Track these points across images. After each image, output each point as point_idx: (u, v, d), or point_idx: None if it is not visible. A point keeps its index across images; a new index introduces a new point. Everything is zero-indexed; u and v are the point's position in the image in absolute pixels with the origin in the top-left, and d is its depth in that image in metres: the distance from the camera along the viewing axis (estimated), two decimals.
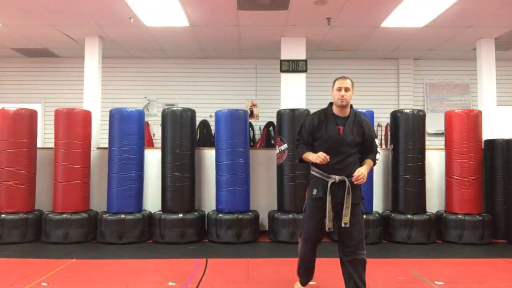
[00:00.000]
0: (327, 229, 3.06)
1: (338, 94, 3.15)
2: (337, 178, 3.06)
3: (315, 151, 3.13)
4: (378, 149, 3.19)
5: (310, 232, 3.22)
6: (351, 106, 3.24)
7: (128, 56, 8.30)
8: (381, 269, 4.32)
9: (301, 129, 3.32)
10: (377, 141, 3.23)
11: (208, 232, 5.68)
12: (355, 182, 3.02)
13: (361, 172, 3.02)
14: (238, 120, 5.73)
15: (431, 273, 4.18)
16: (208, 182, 6.18)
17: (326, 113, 3.23)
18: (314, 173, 3.21)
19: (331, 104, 3.28)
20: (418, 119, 5.79)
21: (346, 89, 3.14)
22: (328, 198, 3.04)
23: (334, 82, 3.21)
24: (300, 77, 6.89)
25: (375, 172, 5.83)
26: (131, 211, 5.64)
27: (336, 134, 3.14)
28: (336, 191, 3.07)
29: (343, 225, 3.02)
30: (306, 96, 6.80)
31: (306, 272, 3.35)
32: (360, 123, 3.19)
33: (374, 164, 3.26)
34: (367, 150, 3.23)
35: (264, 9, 5.76)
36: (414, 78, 8.47)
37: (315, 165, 3.15)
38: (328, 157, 3.02)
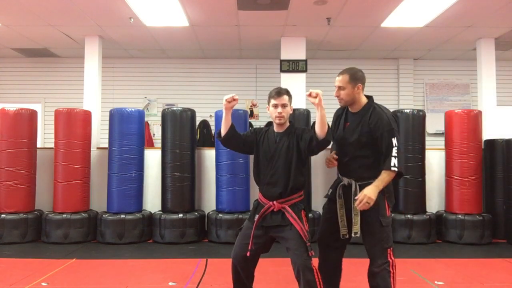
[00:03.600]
0: (341, 236, 2.74)
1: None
2: (346, 181, 2.76)
3: None
4: (394, 152, 2.61)
5: (320, 233, 2.94)
6: (370, 97, 2.83)
7: (128, 56, 8.30)
8: None
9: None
10: (394, 141, 2.63)
11: (208, 232, 5.68)
12: (357, 207, 2.61)
13: (363, 194, 2.57)
14: (238, 120, 5.71)
15: (431, 273, 4.18)
16: (208, 182, 6.18)
17: (345, 108, 2.90)
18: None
19: None
20: (418, 119, 5.79)
21: (339, 88, 2.78)
22: (339, 201, 2.75)
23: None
24: (300, 77, 6.89)
25: None
26: (131, 211, 5.64)
27: (341, 132, 2.83)
28: (348, 194, 2.74)
29: (353, 235, 2.68)
30: (306, 96, 6.79)
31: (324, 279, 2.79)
32: (368, 119, 2.72)
33: (394, 174, 2.64)
34: (382, 155, 2.68)
35: (264, 9, 5.76)
36: (414, 78, 8.48)
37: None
38: (332, 160, 2.80)
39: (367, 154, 2.72)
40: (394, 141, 2.62)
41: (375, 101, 2.84)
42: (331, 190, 2.88)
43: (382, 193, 2.65)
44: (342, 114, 2.89)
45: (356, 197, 2.61)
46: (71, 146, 5.67)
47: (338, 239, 2.80)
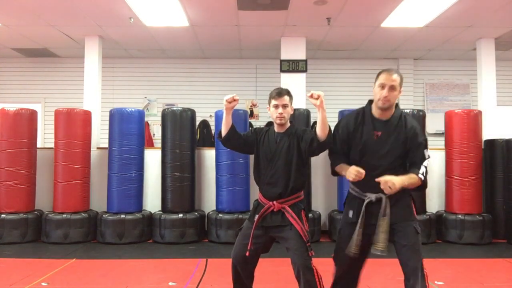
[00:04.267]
0: (351, 254, 2.54)
1: (380, 93, 2.54)
2: (373, 196, 2.53)
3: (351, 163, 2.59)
4: (426, 163, 2.54)
5: (339, 252, 2.68)
6: (396, 105, 2.63)
7: (128, 56, 8.30)
8: (381, 269, 4.31)
9: (334, 133, 2.70)
10: (426, 153, 2.55)
11: (208, 232, 5.68)
12: (382, 187, 2.42)
13: (389, 178, 2.41)
14: (238, 120, 5.70)
15: (431, 273, 4.15)
16: (208, 182, 6.18)
17: (364, 114, 2.64)
18: (350, 189, 2.71)
19: (370, 102, 2.68)
20: (418, 119, 5.76)
21: (392, 88, 2.53)
22: (361, 220, 2.54)
23: (378, 75, 2.59)
24: (300, 77, 6.89)
25: None
26: (131, 211, 5.64)
27: (371, 142, 2.57)
28: (373, 211, 2.54)
29: (378, 252, 2.47)
30: (306, 96, 6.79)
31: None
32: (403, 128, 2.55)
33: (420, 182, 2.51)
34: (409, 162, 2.57)
35: (264, 9, 5.76)
36: (414, 78, 8.47)
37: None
38: (363, 172, 2.46)
39: (399, 166, 2.55)
40: (427, 153, 2.56)
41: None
42: (352, 211, 2.63)
43: (411, 197, 2.60)
44: (362, 122, 2.61)
45: (378, 179, 2.42)
46: (71, 146, 5.66)
47: (360, 258, 2.62)
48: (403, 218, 2.55)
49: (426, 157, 2.54)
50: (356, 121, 2.63)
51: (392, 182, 2.38)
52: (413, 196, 2.64)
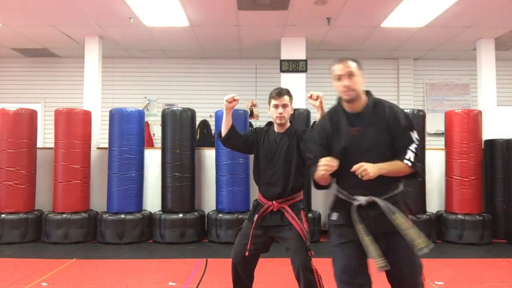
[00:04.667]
0: (379, 269, 2.09)
1: (340, 85, 2.22)
2: (363, 199, 2.18)
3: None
4: (413, 147, 2.20)
5: (343, 267, 2.21)
6: (368, 92, 2.30)
7: (128, 56, 8.30)
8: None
9: (309, 146, 2.41)
10: (414, 135, 2.21)
11: (208, 232, 5.68)
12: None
13: (362, 164, 2.07)
14: (238, 120, 5.70)
15: (431, 273, 4.17)
16: (208, 182, 6.18)
17: (337, 112, 2.31)
18: (336, 192, 2.33)
19: (340, 99, 2.31)
20: (418, 119, 5.78)
21: (350, 74, 2.19)
22: (361, 227, 2.14)
23: (331, 70, 2.26)
24: (300, 77, 6.89)
25: None
26: (131, 211, 5.64)
27: (351, 140, 2.23)
28: (365, 216, 2.18)
29: (380, 269, 2.09)
30: (307, 98, 6.79)
31: None
32: (381, 116, 2.22)
33: (408, 169, 2.17)
34: (396, 149, 2.21)
35: (264, 9, 5.76)
36: (414, 78, 8.47)
37: (337, 181, 2.30)
38: (334, 163, 2.11)
39: (388, 158, 2.18)
40: (414, 135, 2.21)
41: None
42: (336, 214, 2.28)
43: (403, 202, 2.27)
44: (338, 121, 2.29)
45: (354, 168, 2.08)
46: (71, 146, 5.67)
47: (365, 272, 2.22)
48: (390, 226, 2.14)
49: (414, 140, 2.20)
50: (331, 122, 2.31)
51: (364, 168, 2.05)
52: (406, 200, 2.30)
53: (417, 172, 2.21)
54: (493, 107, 6.80)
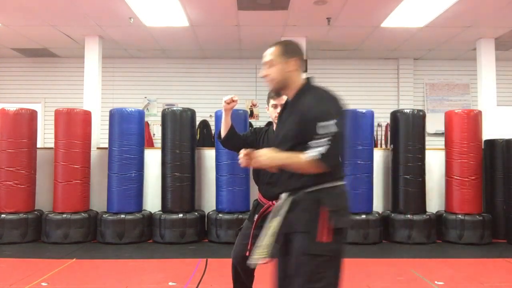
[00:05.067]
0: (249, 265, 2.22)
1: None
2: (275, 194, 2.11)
3: None
4: (315, 143, 1.80)
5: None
6: (308, 78, 2.08)
7: (128, 56, 8.30)
8: (381, 269, 4.32)
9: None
10: (322, 129, 1.81)
11: (208, 232, 5.68)
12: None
13: (249, 151, 1.94)
14: (238, 120, 5.70)
15: (431, 273, 4.18)
16: (208, 182, 6.18)
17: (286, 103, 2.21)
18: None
19: None
20: (418, 119, 5.79)
21: (265, 64, 2.05)
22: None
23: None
24: None
25: (375, 172, 5.83)
26: (131, 211, 5.64)
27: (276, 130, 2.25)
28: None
29: (254, 261, 2.03)
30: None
31: None
32: (302, 103, 1.95)
33: (309, 166, 1.83)
34: (303, 141, 1.88)
35: (264, 9, 5.76)
36: (414, 78, 8.47)
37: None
38: (248, 152, 1.97)
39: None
40: (326, 129, 1.80)
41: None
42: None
43: (321, 204, 1.85)
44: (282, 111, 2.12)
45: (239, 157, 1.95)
46: (71, 146, 5.67)
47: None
48: (298, 227, 1.89)
49: (320, 132, 1.80)
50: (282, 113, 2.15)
51: (244, 153, 1.92)
52: (327, 204, 1.86)
53: (323, 169, 1.84)
54: (493, 107, 6.80)
